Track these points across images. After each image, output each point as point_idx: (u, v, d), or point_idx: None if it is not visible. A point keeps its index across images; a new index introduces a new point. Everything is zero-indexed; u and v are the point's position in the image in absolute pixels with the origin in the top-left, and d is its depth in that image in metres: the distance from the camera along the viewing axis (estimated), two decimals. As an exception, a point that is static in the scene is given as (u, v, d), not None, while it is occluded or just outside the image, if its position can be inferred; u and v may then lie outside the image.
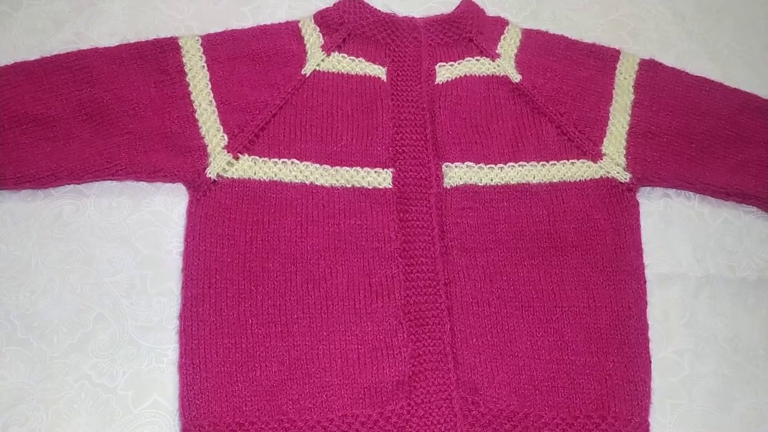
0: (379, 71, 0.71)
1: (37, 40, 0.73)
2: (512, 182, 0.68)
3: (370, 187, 0.67)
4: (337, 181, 0.67)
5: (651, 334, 0.65)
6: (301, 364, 0.60)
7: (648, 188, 0.71)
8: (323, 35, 0.72)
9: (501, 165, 0.69)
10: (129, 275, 0.64)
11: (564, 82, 0.72)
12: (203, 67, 0.68)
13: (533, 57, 0.73)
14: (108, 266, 0.65)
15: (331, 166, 0.67)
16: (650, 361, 0.64)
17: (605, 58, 0.74)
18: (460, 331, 0.63)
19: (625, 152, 0.69)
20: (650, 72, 0.73)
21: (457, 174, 0.67)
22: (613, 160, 0.69)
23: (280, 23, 0.73)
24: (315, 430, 0.59)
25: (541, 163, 0.69)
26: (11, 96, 0.64)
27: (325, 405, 0.59)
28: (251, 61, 0.70)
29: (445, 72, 0.71)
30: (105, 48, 0.69)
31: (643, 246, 0.68)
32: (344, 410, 0.59)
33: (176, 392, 0.60)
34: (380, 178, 0.67)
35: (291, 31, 0.72)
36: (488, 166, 0.68)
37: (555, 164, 0.69)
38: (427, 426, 0.60)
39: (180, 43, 0.69)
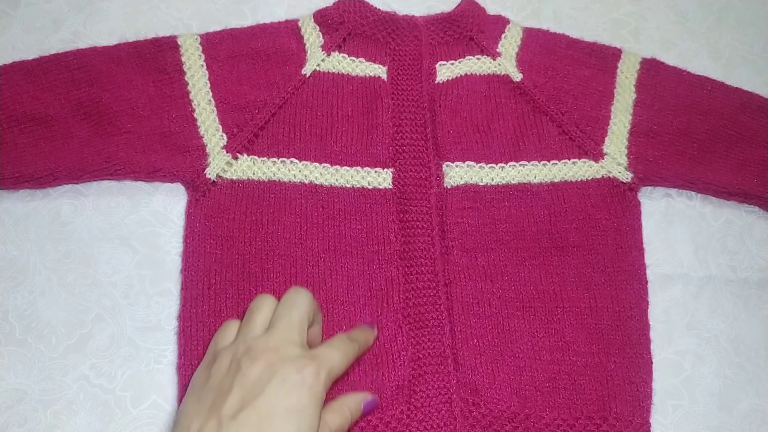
0: (379, 70, 0.70)
1: (36, 39, 0.72)
2: (513, 182, 0.68)
3: (370, 187, 0.66)
4: (336, 180, 0.66)
5: (652, 334, 0.65)
6: (301, 365, 0.60)
7: (649, 188, 0.71)
8: (323, 34, 0.71)
9: (502, 164, 0.68)
10: (128, 275, 0.64)
11: (565, 81, 0.71)
12: (202, 65, 0.68)
13: (534, 56, 0.72)
14: (106, 266, 0.64)
15: (331, 165, 0.66)
16: (651, 362, 0.64)
17: (606, 57, 0.73)
18: (461, 332, 0.62)
19: (626, 152, 0.69)
20: (652, 71, 0.73)
21: (458, 174, 0.67)
22: (614, 160, 0.69)
23: (279, 22, 0.72)
24: (314, 433, 0.58)
25: (543, 162, 0.69)
26: (9, 95, 0.64)
27: (325, 407, 0.59)
28: (250, 59, 0.69)
29: (446, 71, 0.71)
30: (104, 47, 0.68)
31: (644, 246, 0.68)
32: (343, 413, 0.59)
33: (175, 393, 0.60)
34: (380, 178, 0.67)
35: (290, 30, 0.72)
36: (489, 165, 0.68)
37: (556, 164, 0.69)
38: (426, 430, 0.59)
39: (179, 42, 0.69)
